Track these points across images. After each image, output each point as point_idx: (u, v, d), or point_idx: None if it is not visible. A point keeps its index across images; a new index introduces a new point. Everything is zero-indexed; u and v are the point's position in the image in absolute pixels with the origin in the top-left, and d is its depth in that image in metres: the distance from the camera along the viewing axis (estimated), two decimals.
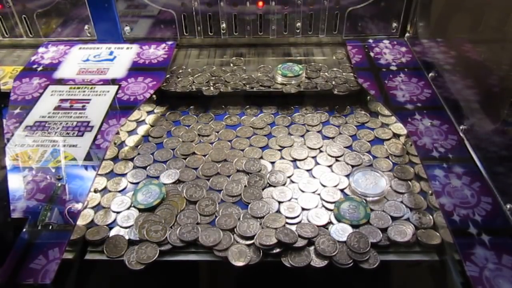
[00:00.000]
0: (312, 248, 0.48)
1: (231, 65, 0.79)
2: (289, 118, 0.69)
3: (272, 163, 0.60)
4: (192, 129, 0.67)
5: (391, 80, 0.71)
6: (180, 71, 0.78)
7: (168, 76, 0.75)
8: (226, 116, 0.69)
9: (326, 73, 0.75)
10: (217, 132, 0.66)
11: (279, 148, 0.63)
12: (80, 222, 0.51)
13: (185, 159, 0.61)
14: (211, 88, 0.72)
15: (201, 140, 0.65)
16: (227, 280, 0.55)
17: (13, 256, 0.43)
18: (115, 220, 0.52)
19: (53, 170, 0.54)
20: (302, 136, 0.65)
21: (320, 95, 0.72)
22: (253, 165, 0.59)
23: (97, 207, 0.54)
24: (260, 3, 0.78)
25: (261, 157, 0.61)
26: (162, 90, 0.72)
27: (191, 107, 0.72)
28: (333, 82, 0.72)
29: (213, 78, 0.75)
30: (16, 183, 0.52)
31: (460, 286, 0.45)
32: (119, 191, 0.56)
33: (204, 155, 0.61)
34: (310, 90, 0.71)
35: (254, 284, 0.54)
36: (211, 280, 0.54)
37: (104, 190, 0.56)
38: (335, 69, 0.76)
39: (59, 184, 0.52)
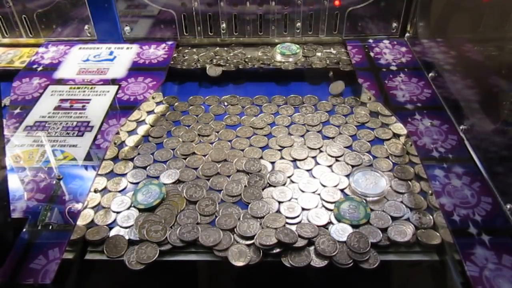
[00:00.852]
0: (312, 248, 0.48)
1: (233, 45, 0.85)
2: (289, 118, 0.69)
3: (272, 163, 0.60)
4: (192, 129, 0.67)
5: (391, 80, 0.71)
6: (186, 50, 0.82)
7: (175, 55, 0.80)
8: (226, 116, 0.69)
9: (320, 53, 0.81)
10: (217, 132, 0.66)
11: (279, 148, 0.62)
12: (80, 222, 0.51)
13: (185, 159, 0.61)
14: (213, 65, 0.77)
15: (201, 140, 0.65)
16: (227, 280, 0.55)
17: (13, 256, 0.43)
18: (115, 220, 0.52)
19: (53, 170, 0.54)
20: (302, 136, 0.65)
21: (314, 71, 0.77)
22: (253, 165, 0.59)
23: (97, 207, 0.54)
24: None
25: (261, 157, 0.61)
26: (170, 67, 0.76)
27: (190, 107, 0.72)
28: (327, 61, 0.78)
29: (216, 56, 0.80)
30: (16, 183, 0.52)
31: (460, 286, 0.45)
32: (119, 191, 0.56)
33: (204, 155, 0.61)
34: (306, 68, 0.77)
35: (254, 284, 0.54)
36: (211, 280, 0.54)
37: (104, 190, 0.56)
38: (329, 49, 0.83)
39: (58, 180, 0.52)
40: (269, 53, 0.81)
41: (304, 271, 0.47)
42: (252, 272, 0.49)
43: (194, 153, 0.62)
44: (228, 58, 0.80)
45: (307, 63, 0.78)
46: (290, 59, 0.79)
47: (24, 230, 0.46)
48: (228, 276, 0.53)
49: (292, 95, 0.73)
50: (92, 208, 0.53)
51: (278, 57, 0.79)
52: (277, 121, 0.68)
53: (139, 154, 0.62)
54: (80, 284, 0.49)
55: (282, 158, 0.61)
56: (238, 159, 0.60)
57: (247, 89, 0.77)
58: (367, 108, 0.70)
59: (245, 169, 0.58)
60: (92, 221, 0.52)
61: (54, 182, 0.52)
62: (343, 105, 0.71)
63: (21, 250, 0.44)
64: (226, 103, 0.72)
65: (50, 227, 0.47)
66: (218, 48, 0.83)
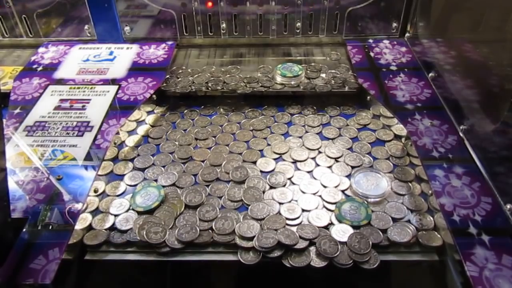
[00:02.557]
0: (312, 248, 0.48)
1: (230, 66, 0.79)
2: (289, 116, 0.69)
3: (277, 157, 0.60)
4: (189, 133, 0.66)
5: (391, 80, 0.71)
6: (180, 71, 0.77)
7: (168, 76, 0.75)
8: (225, 124, 0.68)
9: (324, 74, 0.75)
10: (214, 137, 0.65)
11: (279, 150, 0.62)
12: (78, 226, 0.50)
13: (184, 163, 0.60)
14: (210, 89, 0.72)
15: (197, 145, 0.64)
16: (227, 280, 0.55)
17: (13, 256, 0.43)
18: (113, 223, 0.52)
19: (53, 170, 0.54)
20: (301, 137, 0.65)
21: (318, 95, 0.72)
22: (253, 166, 0.59)
23: (95, 212, 0.53)
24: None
25: (261, 158, 0.61)
26: (162, 90, 0.72)
27: (185, 110, 0.71)
28: (332, 82, 0.73)
29: (212, 79, 0.74)
30: (16, 183, 0.52)
31: (460, 286, 0.45)
32: (117, 196, 0.56)
33: (203, 161, 0.61)
34: (309, 91, 0.72)
35: (254, 284, 0.54)
36: (211, 280, 0.54)
37: (103, 194, 0.56)
38: (333, 70, 0.76)
39: (58, 179, 0.52)
40: (270, 74, 0.75)
41: (304, 271, 0.47)
42: (252, 272, 0.49)
43: (191, 158, 0.61)
44: (225, 80, 0.74)
45: (310, 86, 0.72)
46: (292, 82, 0.73)
47: (24, 230, 0.46)
48: (228, 276, 0.53)
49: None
50: (90, 212, 0.53)
51: (279, 79, 0.73)
52: (277, 117, 0.68)
53: (138, 155, 0.62)
54: (80, 284, 0.49)
55: (282, 159, 0.61)
56: (235, 162, 0.59)
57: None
58: (370, 111, 0.70)
59: (233, 177, 0.57)
60: (90, 225, 0.51)
61: (54, 182, 0.52)
62: (346, 107, 0.71)
63: (21, 250, 0.44)
64: (222, 109, 0.71)
65: (50, 227, 0.47)
66: (214, 68, 0.78)
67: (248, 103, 0.72)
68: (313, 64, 0.78)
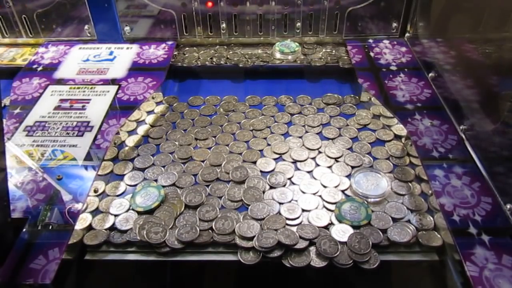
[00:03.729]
0: (312, 248, 0.48)
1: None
2: (289, 116, 0.69)
3: (275, 160, 0.60)
4: (189, 133, 0.66)
5: (391, 80, 0.71)
6: (187, 48, 0.83)
7: (175, 53, 0.81)
8: (226, 124, 0.68)
9: (320, 53, 0.81)
10: (214, 137, 0.65)
11: (279, 150, 0.62)
12: (78, 226, 0.50)
13: (184, 163, 0.60)
14: (214, 63, 0.79)
15: (197, 145, 0.64)
16: (227, 280, 0.55)
17: (13, 256, 0.43)
18: (113, 223, 0.52)
19: (53, 170, 0.54)
20: (301, 137, 0.65)
21: (313, 69, 0.77)
22: (253, 166, 0.59)
23: (95, 212, 0.53)
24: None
25: (261, 158, 0.61)
26: (170, 65, 0.77)
27: (185, 110, 0.71)
28: (328, 59, 0.79)
29: (216, 54, 0.81)
30: (16, 183, 0.52)
31: (460, 286, 0.45)
32: (117, 196, 0.56)
33: (203, 161, 0.61)
34: (305, 65, 0.78)
35: (254, 284, 0.54)
36: (211, 280, 0.54)
37: (103, 194, 0.56)
38: (328, 48, 0.82)
39: (58, 179, 0.52)
40: (269, 51, 0.81)
41: (304, 271, 0.47)
42: (252, 272, 0.49)
43: (191, 158, 0.61)
44: (228, 56, 0.80)
45: (306, 61, 0.78)
46: (289, 57, 0.79)
47: (24, 230, 0.46)
48: (228, 276, 0.53)
49: (300, 96, 0.74)
50: (90, 212, 0.53)
51: (278, 55, 0.80)
52: (277, 117, 0.69)
53: (138, 155, 0.62)
54: (80, 284, 0.49)
55: (282, 159, 0.61)
56: (235, 162, 0.59)
57: (247, 86, 0.77)
58: (370, 111, 0.70)
59: (233, 177, 0.57)
60: (90, 225, 0.51)
61: (54, 182, 0.52)
62: (346, 104, 0.71)
63: (21, 250, 0.44)
64: (222, 109, 0.71)
65: (50, 227, 0.47)
66: (218, 46, 0.84)
67: (249, 77, 0.78)
68: (308, 42, 0.84)
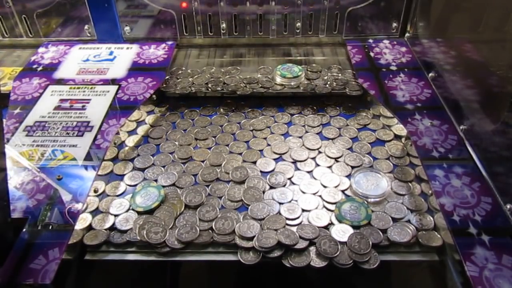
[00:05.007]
0: (312, 248, 0.48)
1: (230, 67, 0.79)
2: (289, 116, 0.69)
3: (275, 160, 0.60)
4: (189, 133, 0.66)
5: (391, 80, 0.71)
6: (180, 72, 0.77)
7: (167, 77, 0.75)
8: (226, 124, 0.68)
9: (325, 77, 0.74)
10: (214, 137, 0.65)
11: (279, 151, 0.62)
12: (78, 226, 0.50)
13: (184, 163, 0.60)
14: (210, 90, 0.72)
15: (197, 145, 0.64)
16: (227, 280, 0.55)
17: (13, 256, 0.43)
18: (113, 223, 0.52)
19: (53, 170, 0.54)
20: (301, 137, 0.65)
21: (318, 96, 0.72)
22: (253, 166, 0.59)
23: (95, 212, 0.53)
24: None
25: (261, 158, 0.61)
26: (162, 91, 0.73)
27: (186, 111, 0.71)
28: (334, 84, 0.72)
29: (212, 79, 0.74)
30: (16, 183, 0.52)
31: (460, 286, 0.45)
32: (117, 196, 0.56)
33: (203, 161, 0.61)
34: (309, 92, 0.72)
35: (254, 284, 0.54)
36: (211, 280, 0.54)
37: (103, 194, 0.56)
38: (334, 71, 0.76)
39: (58, 179, 0.52)
40: (270, 75, 0.75)
41: (304, 271, 0.47)
42: (252, 272, 0.49)
43: (191, 158, 0.61)
44: (225, 81, 0.73)
45: (310, 87, 0.72)
46: (292, 83, 0.72)
47: (24, 230, 0.46)
48: (228, 276, 0.53)
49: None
50: (90, 212, 0.53)
51: (279, 80, 0.73)
52: (277, 118, 0.69)
53: (138, 155, 0.62)
54: (80, 284, 0.49)
55: (282, 159, 0.61)
56: (235, 162, 0.59)
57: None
58: (370, 111, 0.70)
59: (233, 177, 0.57)
60: (90, 225, 0.51)
61: (54, 182, 0.52)
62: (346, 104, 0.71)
63: (21, 250, 0.44)
64: (222, 110, 0.71)
65: (50, 227, 0.47)
66: (214, 69, 0.77)
67: (248, 104, 0.72)
68: (313, 65, 0.77)
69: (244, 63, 0.80)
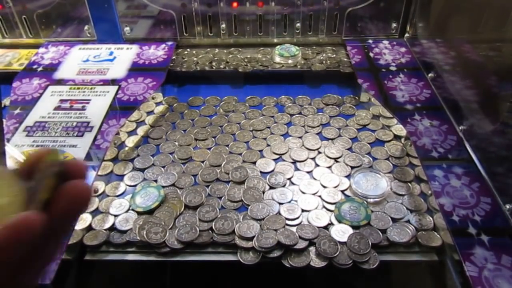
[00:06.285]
0: (311, 248, 0.48)
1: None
2: (289, 117, 0.69)
3: (275, 160, 0.60)
4: (189, 133, 0.66)
5: (391, 80, 0.71)
6: (185, 52, 0.83)
7: (174, 57, 0.80)
8: (225, 124, 0.68)
9: (321, 57, 0.80)
10: (214, 137, 0.65)
11: (279, 151, 0.62)
12: (78, 226, 0.50)
13: (184, 164, 0.60)
14: (213, 68, 0.78)
15: (197, 145, 0.64)
16: (227, 280, 0.55)
17: None
18: (113, 223, 0.52)
19: None
20: (300, 138, 0.65)
21: (313, 74, 0.77)
22: (252, 167, 0.59)
23: (95, 212, 0.53)
24: (260, 3, 0.80)
25: (261, 158, 0.61)
26: (168, 70, 0.76)
27: (185, 111, 0.71)
28: (328, 62, 0.78)
29: (216, 59, 0.80)
30: None
31: (460, 286, 0.45)
32: (117, 196, 0.56)
33: (203, 161, 0.61)
34: (305, 70, 0.77)
35: (254, 284, 0.54)
36: (211, 280, 0.54)
37: (103, 194, 0.56)
38: (329, 52, 0.82)
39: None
40: (269, 55, 0.81)
41: (304, 271, 0.47)
42: (252, 272, 0.49)
43: (191, 158, 0.61)
44: (227, 60, 0.80)
45: (306, 66, 0.78)
46: (289, 61, 0.78)
47: None
48: (228, 276, 0.53)
49: (300, 96, 0.74)
50: (90, 212, 0.53)
51: (277, 59, 0.79)
52: (276, 118, 0.69)
53: (138, 155, 0.62)
54: (80, 284, 0.49)
55: (282, 160, 0.61)
56: (235, 163, 0.59)
57: (246, 90, 0.77)
58: (369, 111, 0.70)
59: (233, 178, 0.57)
60: (90, 225, 0.51)
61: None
62: (346, 104, 0.71)
63: None
64: (222, 110, 0.71)
65: None
66: (217, 50, 0.83)
67: (248, 82, 0.77)
68: (314, 47, 0.83)
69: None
